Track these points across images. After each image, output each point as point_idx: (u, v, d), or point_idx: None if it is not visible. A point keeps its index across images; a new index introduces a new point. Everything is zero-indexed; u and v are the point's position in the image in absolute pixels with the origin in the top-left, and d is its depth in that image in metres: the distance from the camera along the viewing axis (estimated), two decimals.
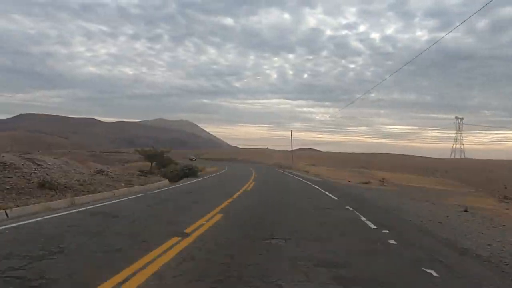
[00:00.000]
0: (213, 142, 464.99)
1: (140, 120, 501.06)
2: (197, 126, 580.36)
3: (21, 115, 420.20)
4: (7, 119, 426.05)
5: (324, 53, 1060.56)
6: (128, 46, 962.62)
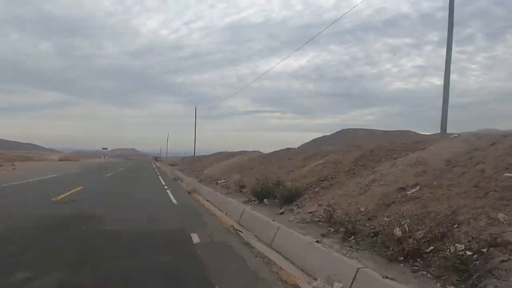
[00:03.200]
0: None
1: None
2: None
3: (342, 130, 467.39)
4: (330, 135, 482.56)
5: None
6: (435, 55, 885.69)
